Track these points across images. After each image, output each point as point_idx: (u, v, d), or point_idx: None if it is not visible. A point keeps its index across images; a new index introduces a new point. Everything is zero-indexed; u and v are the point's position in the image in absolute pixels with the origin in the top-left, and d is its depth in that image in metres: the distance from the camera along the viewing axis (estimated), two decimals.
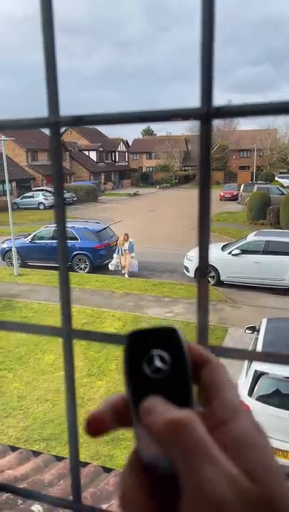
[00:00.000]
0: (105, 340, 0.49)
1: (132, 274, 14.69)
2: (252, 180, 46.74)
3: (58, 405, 7.32)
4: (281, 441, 5.30)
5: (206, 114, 0.37)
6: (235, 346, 8.40)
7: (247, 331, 7.91)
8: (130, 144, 65.79)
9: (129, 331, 0.34)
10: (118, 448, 6.23)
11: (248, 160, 60.59)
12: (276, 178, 44.20)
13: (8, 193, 16.64)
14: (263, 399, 5.79)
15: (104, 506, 2.53)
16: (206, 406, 0.32)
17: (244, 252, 13.59)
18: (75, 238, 15.41)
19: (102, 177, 52.69)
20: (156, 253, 17.67)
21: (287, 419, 5.49)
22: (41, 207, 35.86)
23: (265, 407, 5.66)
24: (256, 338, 7.26)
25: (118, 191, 50.70)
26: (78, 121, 0.42)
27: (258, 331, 7.38)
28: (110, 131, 73.54)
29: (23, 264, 16.07)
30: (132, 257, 14.86)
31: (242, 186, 35.73)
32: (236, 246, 13.90)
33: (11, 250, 15.78)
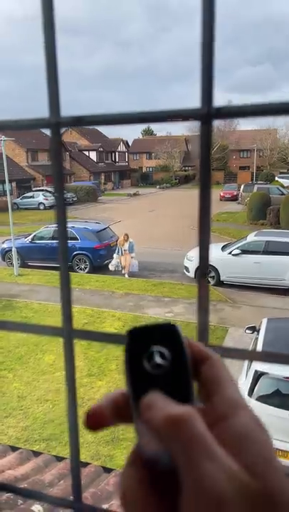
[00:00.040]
0: (106, 340, 0.49)
1: (132, 274, 14.69)
2: (252, 180, 46.75)
3: (58, 405, 7.31)
4: (281, 442, 5.30)
5: (207, 114, 0.37)
6: (235, 346, 8.40)
7: (247, 331, 7.91)
8: (130, 144, 65.80)
9: (129, 327, 0.34)
10: (118, 448, 6.23)
11: (248, 160, 60.59)
12: (276, 178, 44.19)
13: (8, 193, 16.64)
14: (263, 399, 5.79)
15: (104, 506, 2.53)
16: (207, 402, 0.32)
17: (244, 252, 13.59)
18: (75, 238, 15.41)
19: (102, 177, 52.69)
20: (157, 253, 17.67)
21: (287, 419, 5.49)
22: (41, 207, 35.86)
23: (265, 407, 5.66)
24: (256, 338, 7.26)
25: (118, 191, 50.71)
26: (79, 122, 0.42)
27: (258, 331, 7.38)
28: (110, 131, 73.63)
29: (23, 265, 16.07)
30: (132, 257, 14.87)
31: (242, 186, 35.73)
32: (236, 246, 13.90)
33: (11, 250, 15.78)
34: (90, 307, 11.59)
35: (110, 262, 15.25)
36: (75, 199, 37.16)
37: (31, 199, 36.80)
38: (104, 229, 16.85)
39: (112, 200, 40.58)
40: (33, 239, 16.58)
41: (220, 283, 13.32)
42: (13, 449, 3.43)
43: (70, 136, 53.62)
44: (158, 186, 54.26)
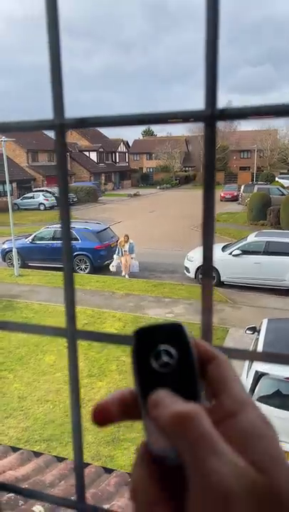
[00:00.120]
0: (109, 340, 0.49)
1: (132, 275, 14.70)
2: (252, 180, 46.76)
3: (58, 406, 7.32)
4: (282, 442, 5.30)
5: (210, 116, 0.37)
6: (235, 347, 8.40)
7: (247, 332, 7.90)
8: (130, 145, 65.81)
9: (136, 327, 0.35)
10: (119, 449, 6.23)
11: (248, 160, 60.59)
12: (276, 179, 44.18)
13: (8, 193, 16.65)
14: (264, 400, 5.79)
15: (105, 507, 2.53)
16: (214, 400, 0.33)
17: (245, 252, 13.59)
18: (76, 239, 15.41)
19: (103, 178, 52.71)
20: (157, 254, 17.67)
21: (287, 419, 5.49)
22: (42, 207, 35.87)
23: (265, 407, 5.65)
24: (257, 339, 7.26)
25: (118, 192, 50.70)
26: (82, 124, 0.43)
27: (259, 332, 7.38)
28: (111, 131, 73.63)
29: (24, 265, 16.08)
30: (132, 258, 14.88)
31: (242, 187, 35.74)
32: (237, 246, 13.89)
33: (11, 251, 15.79)
34: (90, 308, 11.59)
35: (111, 262, 15.26)
36: (75, 199, 37.16)
37: (31, 199, 36.81)
38: (105, 229, 16.86)
39: (113, 201, 40.58)
40: (33, 239, 16.59)
41: (220, 283, 13.32)
42: (14, 449, 3.43)
43: (71, 137, 53.64)
44: (158, 187, 54.26)
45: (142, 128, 79.02)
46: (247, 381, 6.02)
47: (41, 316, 11.33)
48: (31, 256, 16.29)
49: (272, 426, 0.31)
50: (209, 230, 0.40)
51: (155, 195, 46.62)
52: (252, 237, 14.21)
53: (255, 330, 7.69)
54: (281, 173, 50.29)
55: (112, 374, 8.25)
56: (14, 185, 38.28)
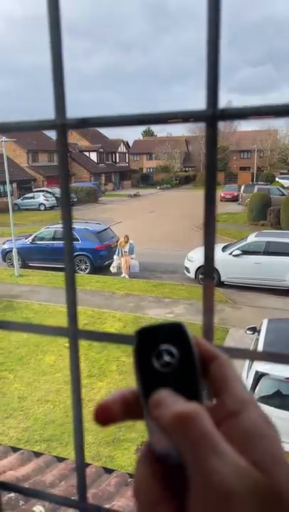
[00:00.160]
0: (110, 340, 0.49)
1: (132, 275, 14.70)
2: (252, 181, 46.76)
3: (58, 406, 7.32)
4: (282, 443, 5.30)
5: (212, 116, 0.37)
6: (236, 347, 8.39)
7: (248, 332, 7.90)
8: (131, 145, 65.82)
9: (138, 327, 0.35)
10: (119, 449, 6.23)
11: (248, 161, 60.60)
12: (276, 179, 44.19)
13: (8, 194, 16.68)
14: (264, 400, 5.79)
15: (106, 507, 2.53)
16: (215, 400, 0.33)
17: (245, 252, 13.59)
18: (76, 239, 15.40)
19: (103, 178, 52.72)
20: (157, 254, 17.67)
21: (288, 419, 5.49)
22: (42, 208, 35.90)
23: (266, 408, 5.65)
24: (257, 339, 7.26)
25: (119, 192, 50.71)
26: (84, 124, 0.43)
27: (259, 332, 7.38)
28: (111, 132, 73.68)
29: (24, 265, 16.09)
30: (132, 259, 14.88)
31: (242, 187, 35.76)
32: (237, 247, 13.90)
33: (11, 251, 15.80)
34: (90, 308, 11.59)
35: (111, 262, 15.27)
36: (75, 200, 37.16)
37: (32, 200, 36.83)
38: (105, 230, 16.86)
39: (113, 201, 40.59)
40: (33, 240, 16.59)
41: (220, 284, 13.32)
42: (14, 449, 3.43)
43: (71, 137, 53.63)
44: (158, 187, 54.27)
45: (142, 128, 79.06)
46: (247, 381, 6.01)
47: (41, 316, 11.33)
48: (31, 256, 16.30)
49: (274, 426, 0.31)
50: (210, 230, 0.40)
51: (155, 195, 46.63)
52: (252, 238, 14.21)
53: (255, 330, 7.70)
54: (281, 174, 50.27)
55: (112, 374, 8.25)
56: (14, 185, 38.29)
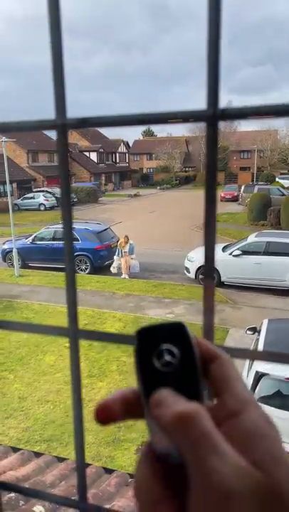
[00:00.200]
0: (110, 340, 0.49)
1: (132, 275, 14.70)
2: (252, 181, 46.77)
3: (58, 406, 7.32)
4: (283, 443, 5.30)
5: (212, 116, 0.37)
6: (236, 347, 8.39)
7: (248, 332, 7.90)
8: (131, 145, 65.81)
9: (138, 327, 0.35)
10: (119, 449, 6.23)
11: (248, 161, 60.60)
12: (277, 179, 44.20)
13: (8, 194, 16.68)
14: (265, 400, 5.79)
15: (106, 507, 2.53)
16: (216, 400, 0.33)
17: (245, 253, 13.59)
18: (76, 239, 15.40)
19: (103, 178, 52.72)
20: (157, 254, 17.67)
21: (288, 420, 5.49)
22: (42, 208, 35.90)
23: (266, 408, 5.65)
24: (257, 339, 7.26)
25: (119, 192, 50.72)
26: (84, 124, 0.43)
27: (259, 332, 7.38)
28: (111, 132, 73.71)
29: (24, 265, 16.09)
30: (132, 259, 14.88)
31: (242, 187, 35.76)
32: (237, 247, 13.90)
33: (11, 251, 15.80)
34: (90, 308, 11.59)
35: (111, 262, 15.27)
36: (75, 200, 37.16)
37: (32, 200, 36.84)
38: (105, 230, 16.87)
39: (113, 201, 40.60)
40: (33, 240, 16.60)
41: (220, 284, 13.32)
42: (15, 449, 3.43)
43: (71, 137, 53.62)
44: (158, 187, 54.27)
45: (142, 128, 79.10)
46: (247, 381, 6.02)
47: (41, 316, 11.33)
48: (31, 256, 16.30)
49: (275, 426, 0.31)
50: (211, 230, 0.40)
51: (155, 195, 46.64)
52: (252, 238, 14.21)
53: (255, 330, 7.70)
54: (281, 174, 50.27)
55: (112, 374, 8.25)
56: (14, 185, 38.30)
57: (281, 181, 40.93)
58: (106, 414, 0.34)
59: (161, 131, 79.57)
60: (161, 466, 0.31)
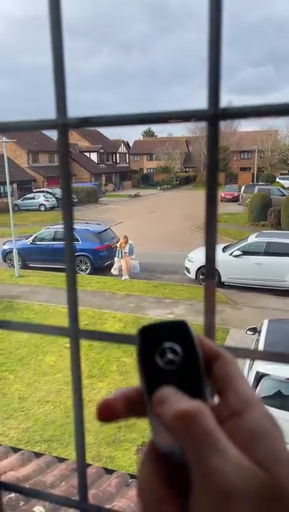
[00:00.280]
0: (111, 339, 0.49)
1: (133, 276, 14.70)
2: (253, 181, 46.76)
3: (58, 407, 7.32)
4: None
5: (214, 115, 0.37)
6: (238, 347, 8.38)
7: (248, 333, 7.90)
8: (131, 146, 65.82)
9: (140, 325, 0.35)
10: (119, 449, 6.23)
11: (248, 161, 60.61)
12: (277, 180, 44.22)
13: (9, 194, 16.69)
14: (265, 400, 5.78)
15: (106, 507, 2.53)
16: (219, 399, 0.33)
17: (245, 253, 13.59)
18: (76, 240, 15.40)
19: (103, 178, 52.72)
20: (158, 254, 17.67)
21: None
22: (42, 208, 35.91)
23: None
24: (257, 340, 7.26)
25: (119, 192, 50.72)
26: (85, 123, 0.43)
27: (260, 333, 7.38)
28: (111, 132, 73.74)
29: (24, 266, 16.09)
30: (132, 259, 14.87)
31: (243, 187, 35.77)
32: (237, 247, 13.90)
33: (12, 251, 15.81)
34: (91, 308, 11.59)
35: (111, 263, 15.27)
36: (76, 200, 37.14)
37: (32, 200, 36.85)
38: (105, 230, 16.87)
39: (113, 202, 40.60)
40: (34, 240, 16.60)
41: (221, 284, 13.31)
42: (15, 450, 3.43)
43: (71, 138, 53.27)
44: (159, 187, 54.27)
45: (143, 128, 79.17)
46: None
47: (42, 316, 11.33)
48: (32, 257, 16.30)
49: (278, 425, 0.30)
50: (212, 230, 0.40)
51: (156, 195, 46.64)
52: (252, 238, 14.21)
53: (255, 331, 7.69)
54: (282, 174, 50.28)
55: (112, 375, 8.24)
56: (15, 186, 38.31)
57: (281, 182, 40.95)
58: (108, 412, 0.34)
59: (161, 131, 79.72)
60: (165, 465, 0.31)
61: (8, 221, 16.72)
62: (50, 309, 11.76)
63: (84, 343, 8.54)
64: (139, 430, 6.45)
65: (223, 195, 38.83)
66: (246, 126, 68.78)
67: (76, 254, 15.31)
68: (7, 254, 16.51)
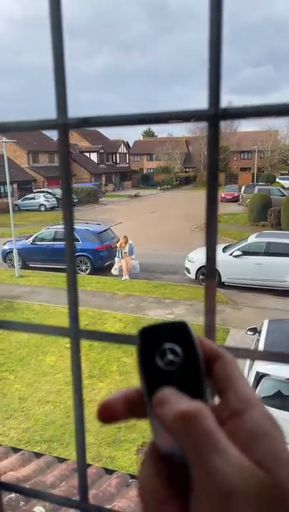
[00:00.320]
0: (112, 340, 0.49)
1: (133, 276, 14.69)
2: (253, 181, 46.77)
3: (59, 407, 7.31)
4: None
5: (214, 115, 0.37)
6: (238, 347, 8.38)
7: (248, 333, 7.90)
8: (131, 146, 65.82)
9: (141, 326, 0.35)
10: (120, 450, 6.23)
11: (248, 161, 60.61)
12: (277, 180, 44.23)
13: (9, 194, 16.68)
14: (265, 401, 5.78)
15: (106, 507, 2.53)
16: (220, 399, 0.33)
17: (245, 253, 13.59)
18: (76, 240, 15.40)
19: (103, 179, 52.73)
20: (158, 255, 17.67)
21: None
22: (42, 208, 35.92)
23: None
24: (257, 340, 7.26)
25: (119, 193, 50.72)
26: (85, 123, 0.43)
27: (260, 333, 7.37)
28: (111, 132, 73.79)
29: (24, 266, 16.09)
30: (132, 259, 14.87)
31: (243, 188, 35.78)
32: (237, 247, 13.90)
33: (12, 252, 15.81)
34: (91, 308, 11.59)
35: (111, 263, 15.27)
36: (76, 200, 37.15)
37: (32, 200, 36.86)
38: (105, 230, 16.87)
39: (113, 202, 40.61)
40: (34, 240, 16.60)
41: (221, 284, 13.31)
42: (15, 450, 3.43)
43: (71, 138, 53.23)
44: (159, 188, 54.27)
45: (143, 129, 79.17)
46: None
47: (42, 316, 11.33)
48: (32, 257, 16.30)
49: (279, 426, 0.30)
50: (212, 230, 0.40)
51: (156, 196, 46.64)
52: (252, 238, 14.21)
53: (255, 331, 7.69)
54: (282, 174, 50.28)
55: (112, 375, 8.24)
56: (15, 186, 38.30)
57: (281, 182, 40.97)
58: (109, 413, 0.34)
59: (161, 131, 79.65)
60: (165, 466, 0.31)
61: (8, 221, 16.71)
62: (50, 309, 11.76)
63: (84, 343, 8.54)
64: (139, 430, 6.45)
65: (223, 195, 38.82)
66: (246, 126, 68.85)
67: (76, 254, 15.26)
68: (7, 255, 16.51)
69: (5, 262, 16.62)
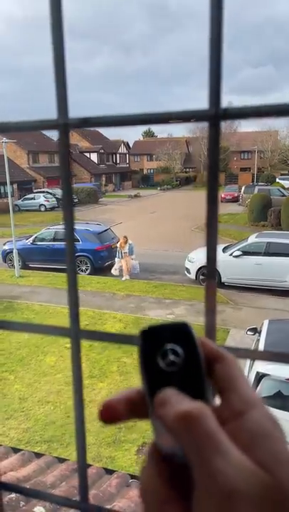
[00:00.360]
0: (112, 340, 0.49)
1: (133, 276, 14.69)
2: (253, 181, 46.76)
3: (59, 407, 7.31)
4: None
5: (215, 115, 0.37)
6: (239, 347, 8.38)
7: (248, 333, 7.90)
8: (131, 146, 65.82)
9: (142, 327, 0.35)
10: (120, 450, 6.23)
11: (248, 161, 60.61)
12: (277, 180, 44.22)
13: (9, 194, 16.68)
14: (265, 401, 5.78)
15: (107, 508, 2.52)
16: (221, 400, 0.33)
17: (245, 253, 13.59)
18: (76, 240, 15.39)
19: (103, 179, 52.73)
20: (158, 255, 17.67)
21: None
22: (42, 209, 35.92)
23: None
24: (258, 340, 7.26)
25: (119, 193, 50.72)
26: (86, 123, 0.43)
27: (260, 333, 7.37)
28: (111, 132, 73.80)
29: (24, 266, 16.09)
30: (132, 259, 14.87)
31: (243, 188, 35.77)
32: (237, 247, 13.90)
33: (12, 252, 15.81)
34: (91, 309, 11.59)
35: (111, 263, 15.27)
36: (76, 201, 37.15)
37: (32, 201, 36.86)
38: (106, 230, 16.87)
39: (113, 202, 40.61)
40: (34, 240, 16.60)
41: (221, 284, 13.31)
42: (15, 450, 3.43)
43: (71, 138, 51.85)
44: (159, 188, 54.28)
45: (143, 129, 79.17)
46: None
47: (42, 316, 11.33)
48: (32, 257, 16.31)
49: (280, 426, 0.30)
50: (213, 230, 0.40)
51: (156, 196, 46.64)
52: (252, 238, 14.21)
53: (256, 331, 7.69)
54: (282, 174, 50.28)
55: (112, 375, 8.24)
56: (15, 186, 38.29)
57: (281, 182, 40.96)
58: (110, 414, 0.34)
59: (161, 131, 79.64)
60: (167, 466, 0.31)
61: (8, 221, 16.71)
62: (50, 309, 11.76)
63: (84, 344, 8.51)
64: (140, 431, 6.45)
65: (223, 195, 38.80)
66: (246, 126, 68.86)
67: (76, 254, 15.29)
68: (7, 255, 16.51)
69: (5, 262, 16.62)
